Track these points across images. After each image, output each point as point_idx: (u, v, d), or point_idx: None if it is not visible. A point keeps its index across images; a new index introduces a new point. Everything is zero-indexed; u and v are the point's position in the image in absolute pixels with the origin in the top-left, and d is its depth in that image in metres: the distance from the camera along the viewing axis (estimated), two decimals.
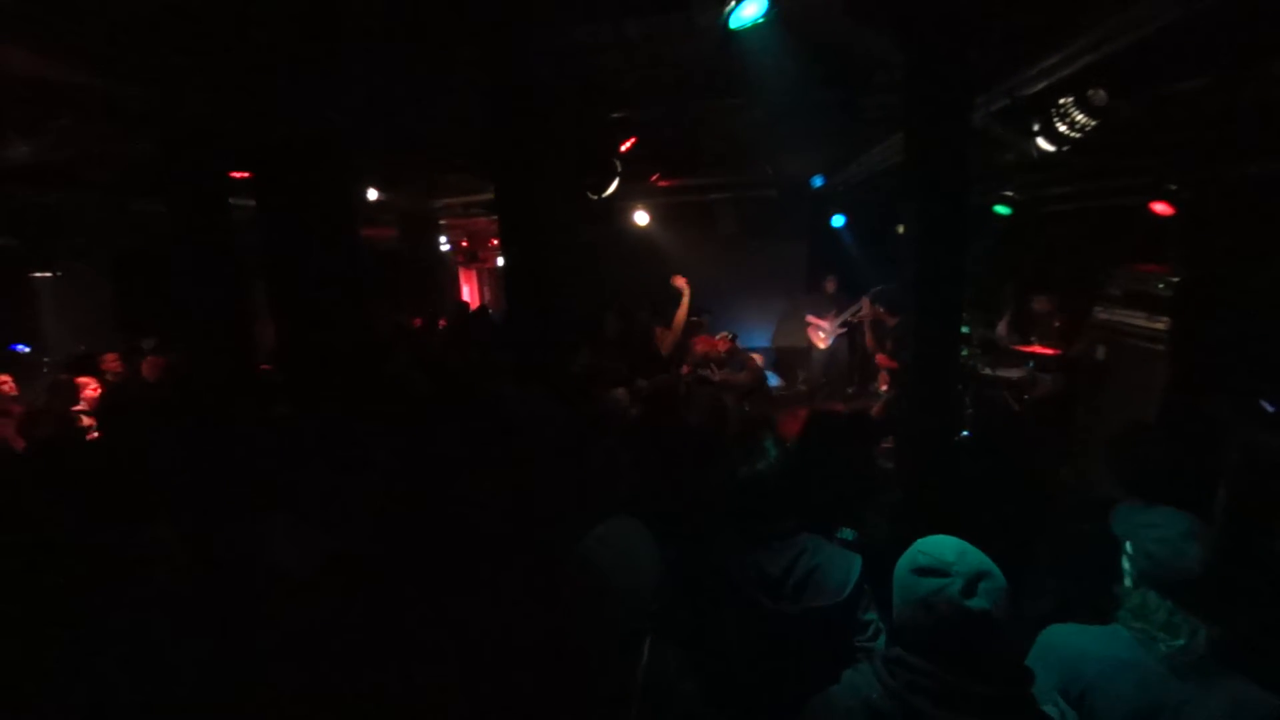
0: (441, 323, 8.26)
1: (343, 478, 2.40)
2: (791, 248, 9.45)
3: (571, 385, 4.06)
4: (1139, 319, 4.80)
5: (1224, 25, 2.85)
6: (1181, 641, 1.44)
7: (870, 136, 5.75)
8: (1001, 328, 6.70)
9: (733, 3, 2.77)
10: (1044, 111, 3.75)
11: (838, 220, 8.90)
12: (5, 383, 5.00)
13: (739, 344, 6.88)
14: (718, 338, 6.04)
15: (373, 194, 7.11)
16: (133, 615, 1.52)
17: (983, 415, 5.60)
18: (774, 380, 7.71)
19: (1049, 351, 6.06)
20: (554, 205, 4.67)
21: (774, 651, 1.79)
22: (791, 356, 9.37)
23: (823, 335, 8.39)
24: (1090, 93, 3.53)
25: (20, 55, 2.88)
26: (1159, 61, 3.31)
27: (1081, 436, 4.89)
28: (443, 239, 10.11)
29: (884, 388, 6.52)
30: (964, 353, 6.09)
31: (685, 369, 5.52)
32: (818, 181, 8.21)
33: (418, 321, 8.32)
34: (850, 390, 8.47)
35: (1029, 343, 6.34)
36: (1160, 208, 5.39)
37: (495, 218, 8.19)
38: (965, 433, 3.63)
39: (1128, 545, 1.60)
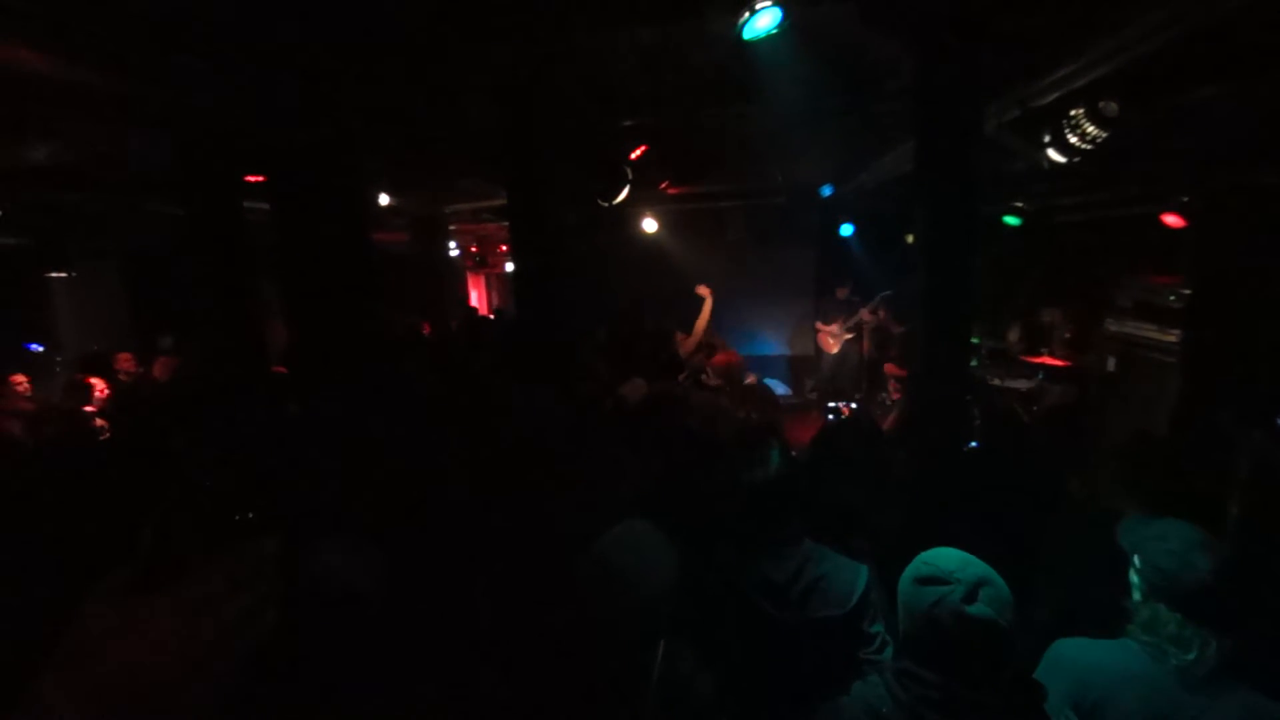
0: (452, 325, 8.30)
1: (351, 479, 2.42)
2: (800, 255, 9.46)
3: (577, 389, 4.07)
4: (1150, 330, 4.78)
5: (1237, 35, 2.85)
6: (1193, 655, 1.43)
7: (881, 145, 5.76)
8: (1011, 338, 6.68)
9: (747, 14, 2.78)
10: (1055, 122, 3.75)
11: (846, 229, 8.90)
12: (20, 383, 5.06)
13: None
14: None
15: (384, 198, 7.15)
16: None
17: (991, 426, 5.57)
18: (782, 389, 7.71)
19: (1059, 362, 6.04)
20: (564, 212, 4.70)
21: (778, 660, 1.77)
22: (801, 365, 9.37)
23: (833, 340, 8.40)
24: (1101, 104, 3.52)
25: (37, 57, 2.92)
26: (1171, 73, 3.31)
27: (1091, 448, 4.86)
28: (452, 244, 10.16)
29: (895, 396, 6.50)
30: (973, 363, 6.07)
31: (681, 375, 5.55)
32: (827, 190, 8.22)
33: (426, 326, 8.36)
34: (858, 397, 8.46)
35: (1039, 353, 6.32)
36: (1171, 219, 5.36)
37: (505, 223, 8.29)
38: (973, 443, 3.61)
39: (1136, 558, 1.60)
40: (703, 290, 6.19)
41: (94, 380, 5.12)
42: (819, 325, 8.53)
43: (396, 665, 1.39)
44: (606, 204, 5.53)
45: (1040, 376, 6.03)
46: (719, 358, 5.63)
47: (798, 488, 1.98)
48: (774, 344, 9.76)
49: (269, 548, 0.71)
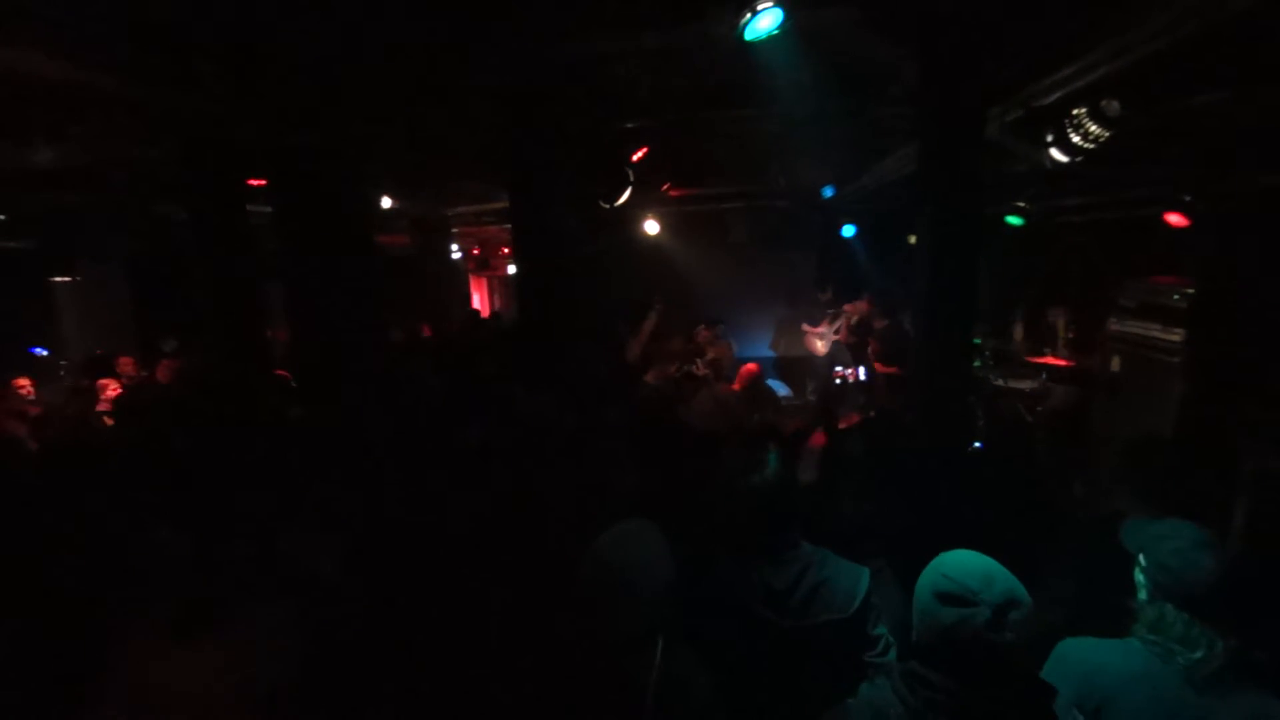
0: (453, 328, 8.31)
1: (354, 480, 2.42)
2: (802, 257, 9.46)
3: (579, 390, 4.07)
4: (1154, 331, 4.76)
5: (1240, 37, 2.84)
6: (1200, 654, 1.42)
7: (883, 147, 5.75)
8: (1015, 339, 6.67)
9: (748, 15, 2.78)
10: (1057, 122, 3.74)
11: (848, 230, 8.90)
12: (24, 386, 5.08)
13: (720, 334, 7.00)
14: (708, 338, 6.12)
15: (386, 201, 7.17)
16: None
17: (995, 427, 5.57)
18: (783, 390, 7.69)
19: (1062, 363, 6.02)
20: (566, 214, 4.70)
21: (780, 667, 1.74)
22: (796, 366, 9.35)
23: (820, 344, 8.38)
24: (1104, 104, 3.52)
25: (43, 60, 2.93)
26: (1174, 74, 3.30)
27: (1095, 449, 4.85)
28: (454, 246, 10.18)
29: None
30: (976, 364, 6.05)
31: (673, 368, 5.57)
32: (829, 192, 8.22)
33: (427, 329, 8.37)
34: (862, 400, 8.45)
35: (1042, 354, 6.30)
36: (1175, 219, 5.35)
37: (507, 226, 8.30)
38: (977, 444, 3.60)
39: (1141, 558, 1.59)
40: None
41: (105, 381, 5.15)
42: (806, 328, 8.53)
43: (398, 664, 1.40)
44: (608, 206, 5.53)
45: (1044, 377, 6.02)
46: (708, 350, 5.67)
47: (797, 492, 1.95)
48: (770, 347, 9.76)
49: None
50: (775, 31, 2.85)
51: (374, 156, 5.26)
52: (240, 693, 1.28)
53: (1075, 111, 3.59)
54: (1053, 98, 3.57)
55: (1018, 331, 6.75)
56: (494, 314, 11.41)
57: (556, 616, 1.53)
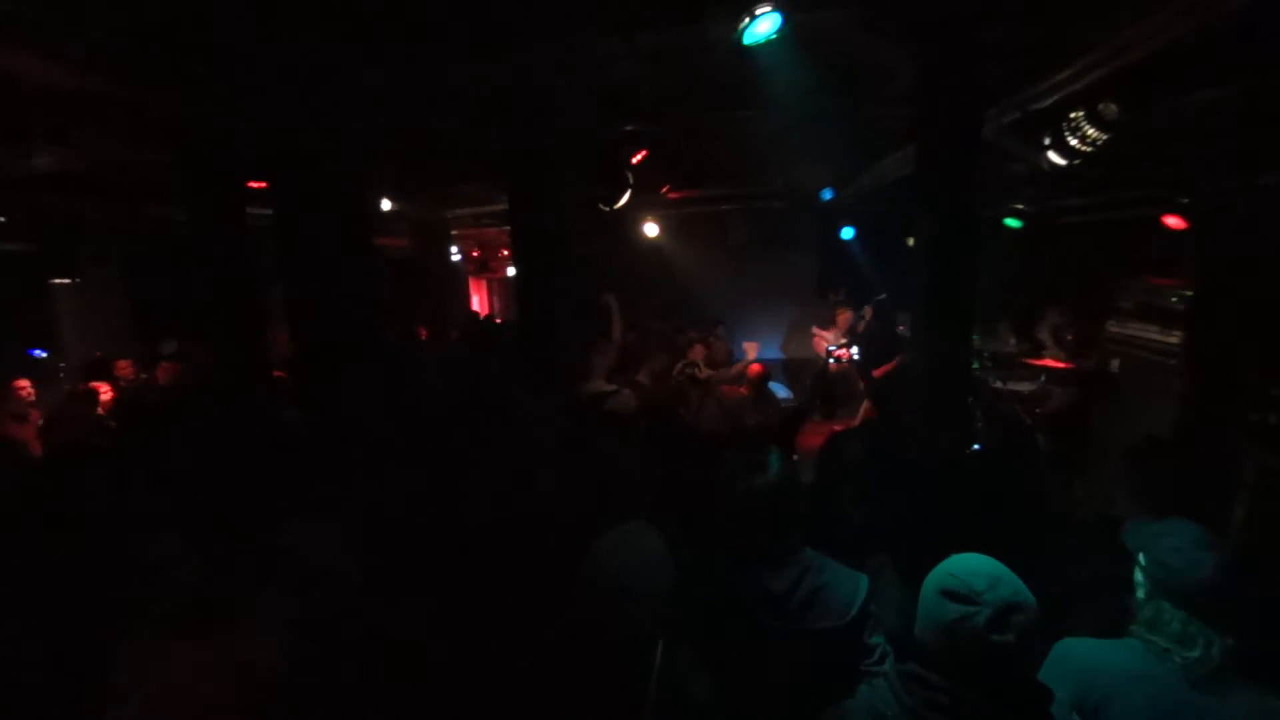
0: (452, 335, 8.32)
1: (355, 481, 2.42)
2: (801, 259, 9.48)
3: (578, 393, 4.08)
4: (1153, 332, 4.78)
5: (1236, 38, 2.86)
6: (1196, 653, 1.43)
7: (881, 149, 5.77)
8: (1013, 341, 6.67)
9: (747, 18, 2.79)
10: (1055, 125, 3.75)
11: (847, 232, 8.91)
12: (24, 388, 5.07)
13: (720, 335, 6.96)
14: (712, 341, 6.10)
15: (386, 203, 7.18)
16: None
17: (994, 429, 5.57)
18: (785, 392, 7.70)
19: (1061, 365, 6.03)
20: (565, 217, 4.71)
21: (776, 671, 1.74)
22: (803, 368, 9.35)
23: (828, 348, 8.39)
24: (1101, 106, 3.53)
25: (41, 64, 2.94)
26: (1171, 75, 3.31)
27: (1094, 450, 4.86)
28: (454, 249, 10.19)
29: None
30: (975, 366, 6.06)
31: (676, 369, 5.57)
32: (828, 194, 8.24)
33: (424, 332, 8.38)
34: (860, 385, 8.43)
35: (1041, 356, 6.31)
36: (1173, 221, 5.37)
37: (507, 228, 8.31)
38: (976, 446, 3.61)
39: (1141, 557, 1.59)
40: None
41: (98, 385, 5.14)
42: (815, 330, 8.53)
43: (398, 664, 1.40)
44: (608, 209, 5.55)
45: (1043, 379, 6.02)
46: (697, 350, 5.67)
47: (798, 495, 1.94)
48: (775, 348, 9.77)
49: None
50: (773, 36, 2.87)
51: (374, 159, 5.28)
52: (241, 691, 1.28)
53: (1073, 115, 3.60)
54: (1050, 101, 3.58)
55: (1016, 334, 6.75)
56: (493, 316, 11.43)
57: (556, 618, 1.53)
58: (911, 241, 4.15)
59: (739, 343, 7.55)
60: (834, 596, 1.77)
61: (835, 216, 8.84)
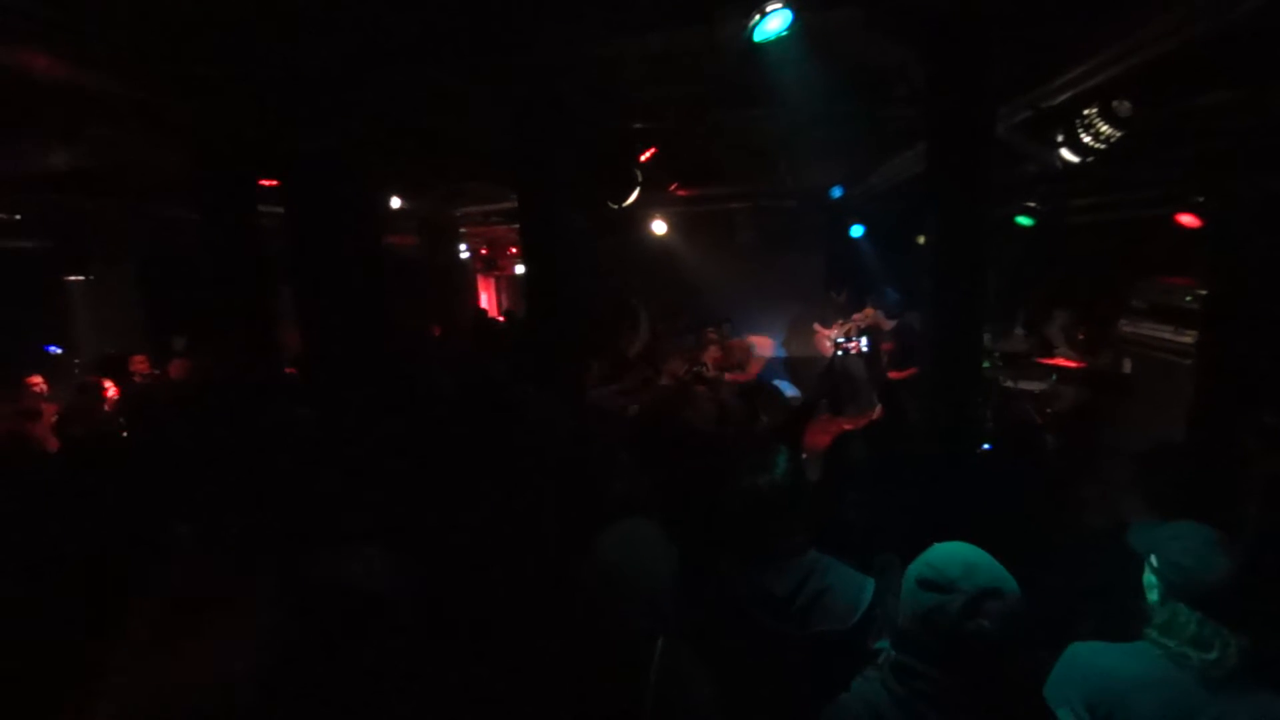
0: (462, 329, 8.34)
1: (365, 479, 2.44)
2: (810, 258, 9.44)
3: (585, 390, 4.08)
4: (1166, 332, 4.73)
5: (1251, 37, 2.82)
6: (1214, 655, 1.41)
7: (891, 147, 5.74)
8: (1024, 340, 6.63)
9: (757, 16, 2.78)
10: (1067, 122, 3.72)
11: (856, 230, 8.88)
12: (37, 384, 5.13)
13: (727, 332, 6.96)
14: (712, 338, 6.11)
15: (395, 201, 7.21)
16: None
17: (1004, 428, 5.54)
18: (791, 390, 7.69)
19: (1072, 364, 5.98)
20: (574, 214, 4.70)
21: (777, 675, 1.71)
22: (807, 366, 9.33)
23: (830, 345, 8.38)
24: (1115, 104, 3.50)
25: (56, 64, 2.96)
26: (1185, 73, 3.28)
27: (1105, 450, 4.82)
28: (462, 246, 10.22)
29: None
30: (985, 365, 6.02)
31: (684, 370, 5.57)
32: (837, 192, 8.21)
33: (437, 330, 8.41)
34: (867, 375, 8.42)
35: (1052, 355, 6.26)
36: (1187, 219, 5.31)
37: (515, 226, 8.33)
38: (986, 445, 3.58)
39: (1152, 559, 1.58)
40: None
41: (105, 381, 5.19)
42: (818, 327, 8.51)
43: (404, 664, 1.41)
44: (617, 206, 5.54)
45: (1054, 378, 5.98)
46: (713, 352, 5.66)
47: (804, 494, 1.91)
48: (782, 346, 9.74)
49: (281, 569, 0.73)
50: (784, 33, 2.86)
51: (384, 158, 5.30)
52: (243, 690, 1.29)
53: (1086, 112, 3.57)
54: (1062, 98, 3.55)
55: (1027, 333, 6.70)
56: (502, 313, 11.46)
57: (557, 615, 1.53)
58: (922, 240, 4.13)
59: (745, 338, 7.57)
60: (838, 600, 1.74)
61: (844, 215, 8.81)
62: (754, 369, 6.00)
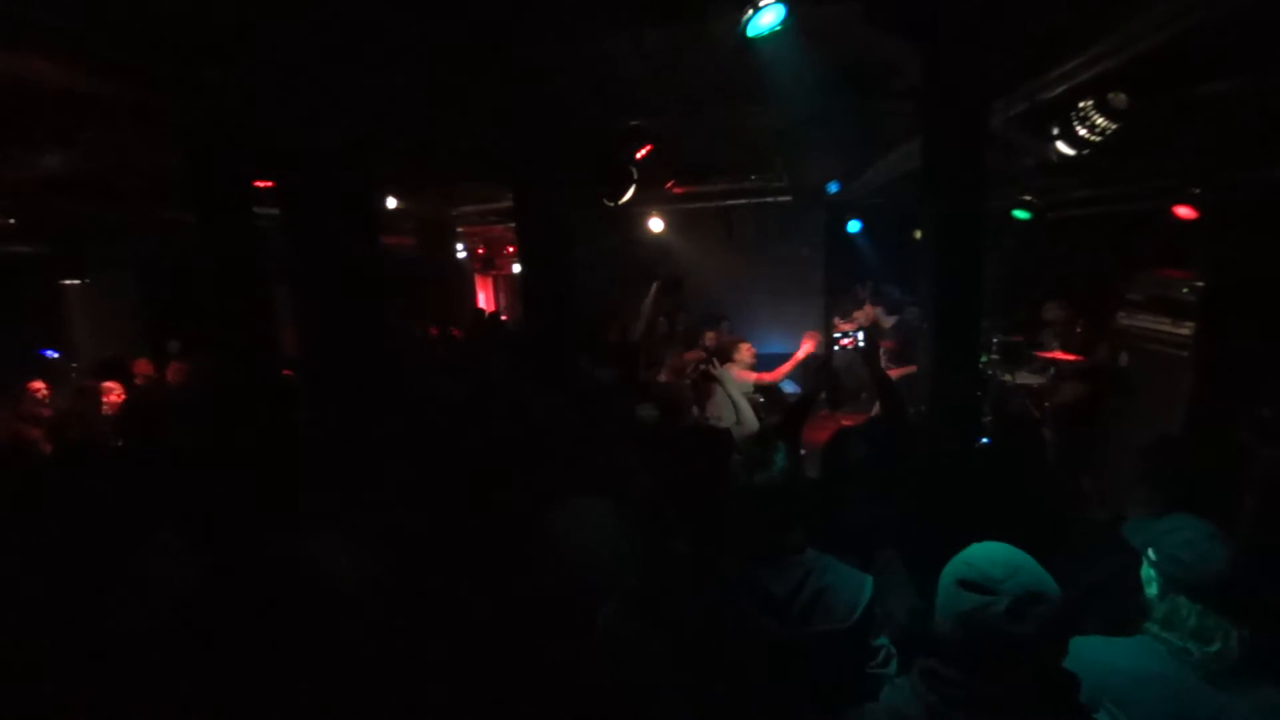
0: (455, 333, 8.33)
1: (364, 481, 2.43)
2: (807, 254, 9.43)
3: (584, 388, 4.08)
4: (1164, 324, 4.73)
5: (1248, 28, 2.82)
6: (1215, 647, 1.41)
7: (887, 142, 5.73)
8: (1021, 333, 6.63)
9: (750, 11, 2.77)
10: (1063, 115, 3.72)
11: (853, 226, 8.87)
12: (39, 390, 5.12)
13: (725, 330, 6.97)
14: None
15: (391, 202, 7.19)
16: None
17: (1002, 422, 5.54)
18: (792, 388, 7.69)
19: (1070, 357, 5.98)
20: (570, 213, 4.70)
21: (778, 675, 1.69)
22: (810, 364, 9.32)
23: (846, 340, 8.39)
24: (1110, 96, 3.49)
25: (51, 67, 2.95)
26: (1181, 65, 3.27)
27: (1104, 444, 4.82)
28: (460, 246, 10.21)
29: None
30: (983, 359, 6.02)
31: (690, 369, 5.56)
32: (833, 187, 8.20)
33: (434, 330, 8.40)
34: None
35: (1050, 348, 6.26)
36: (1183, 211, 5.31)
37: (512, 225, 8.32)
38: (984, 440, 3.59)
39: (1151, 553, 1.58)
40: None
41: (108, 385, 5.19)
42: (837, 322, 8.49)
43: (398, 663, 1.42)
44: (613, 204, 5.53)
45: (1052, 372, 5.98)
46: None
47: (803, 493, 1.89)
48: (781, 343, 9.73)
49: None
50: (777, 28, 2.85)
51: (380, 158, 5.28)
52: (243, 696, 1.30)
53: (1081, 104, 3.57)
54: (1058, 91, 3.55)
55: (1025, 326, 6.70)
56: (498, 312, 11.45)
57: (515, 589, 1.65)
58: (918, 234, 4.12)
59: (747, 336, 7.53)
60: (837, 599, 1.72)
61: (841, 210, 8.80)
62: (780, 369, 5.98)
